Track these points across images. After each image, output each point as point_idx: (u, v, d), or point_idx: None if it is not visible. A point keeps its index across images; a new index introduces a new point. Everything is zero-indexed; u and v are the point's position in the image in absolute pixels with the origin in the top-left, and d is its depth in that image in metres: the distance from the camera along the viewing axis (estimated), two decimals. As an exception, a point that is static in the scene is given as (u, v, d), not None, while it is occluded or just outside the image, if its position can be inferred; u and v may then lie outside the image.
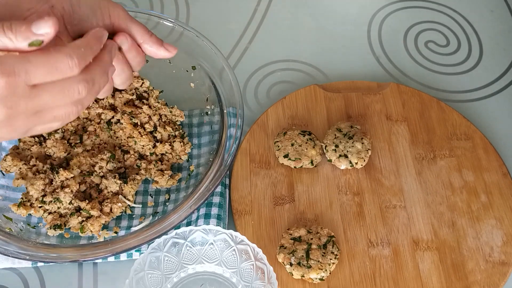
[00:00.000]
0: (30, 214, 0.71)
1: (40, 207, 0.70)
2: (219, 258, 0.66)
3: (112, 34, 0.53)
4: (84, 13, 0.52)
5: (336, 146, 0.76)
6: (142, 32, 0.55)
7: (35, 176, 0.72)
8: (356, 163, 0.75)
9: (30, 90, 0.44)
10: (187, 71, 0.79)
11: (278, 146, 0.77)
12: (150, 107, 0.78)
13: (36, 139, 0.75)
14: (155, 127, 0.77)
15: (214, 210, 0.71)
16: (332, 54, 0.91)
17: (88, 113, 0.77)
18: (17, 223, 0.69)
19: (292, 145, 0.76)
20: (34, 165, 0.73)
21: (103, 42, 0.49)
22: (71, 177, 0.72)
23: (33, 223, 0.71)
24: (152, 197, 0.75)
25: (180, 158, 0.77)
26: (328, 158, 0.76)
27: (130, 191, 0.73)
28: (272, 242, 0.71)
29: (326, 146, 0.76)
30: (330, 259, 0.68)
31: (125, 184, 0.73)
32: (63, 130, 0.77)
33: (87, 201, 0.71)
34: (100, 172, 0.74)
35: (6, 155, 0.73)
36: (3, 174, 0.73)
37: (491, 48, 0.92)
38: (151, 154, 0.76)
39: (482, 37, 0.94)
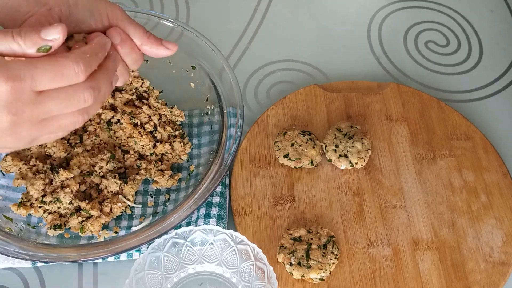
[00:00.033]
0: (30, 214, 0.71)
1: (40, 207, 0.70)
2: (219, 258, 0.66)
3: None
4: (81, 15, 0.52)
5: (336, 146, 0.76)
6: (140, 34, 0.55)
7: (35, 176, 0.72)
8: (356, 163, 0.75)
9: (35, 96, 0.44)
10: (187, 71, 0.79)
11: (278, 146, 0.77)
12: (150, 107, 0.78)
13: (36, 139, 0.75)
14: (155, 127, 0.77)
15: (214, 210, 0.71)
16: (332, 54, 0.91)
17: (88, 113, 0.77)
18: (17, 223, 0.69)
19: (292, 145, 0.76)
20: (34, 165, 0.73)
21: (107, 50, 0.49)
22: (71, 177, 0.72)
23: (33, 223, 0.71)
24: (152, 197, 0.75)
25: (180, 158, 0.77)
26: (328, 158, 0.76)
27: (130, 191, 0.73)
28: (272, 242, 0.71)
29: (326, 146, 0.76)
30: (330, 259, 0.68)
31: (125, 184, 0.73)
32: (63, 130, 0.77)
33: (87, 201, 0.71)
34: (100, 172, 0.74)
35: (6, 155, 0.73)
36: (3, 174, 0.73)
37: (491, 48, 0.92)
38: (151, 154, 0.76)
39: (482, 37, 0.94)
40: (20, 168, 0.73)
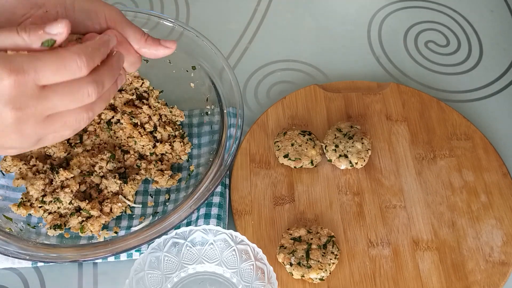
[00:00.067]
0: (30, 214, 0.71)
1: (40, 207, 0.70)
2: (219, 258, 0.66)
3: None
4: (78, 17, 0.51)
5: (336, 146, 0.76)
6: (138, 37, 0.54)
7: (35, 176, 0.72)
8: (356, 163, 0.75)
9: (39, 91, 0.44)
10: (187, 71, 0.79)
11: (278, 146, 0.77)
12: (150, 107, 0.78)
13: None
14: (155, 127, 0.77)
15: (214, 210, 0.71)
16: (332, 54, 0.91)
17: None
18: (17, 223, 0.69)
19: (292, 145, 0.76)
20: (34, 165, 0.73)
21: (111, 46, 0.49)
22: (71, 177, 0.72)
23: (33, 223, 0.71)
24: (152, 197, 0.75)
25: (180, 158, 0.77)
26: (328, 158, 0.76)
27: (130, 191, 0.73)
28: (272, 242, 0.71)
29: (326, 146, 0.76)
30: (330, 259, 0.68)
31: (125, 184, 0.73)
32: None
33: (87, 201, 0.71)
34: (100, 172, 0.74)
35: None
36: (3, 174, 0.73)
37: (491, 48, 0.92)
38: (151, 154, 0.76)
39: (482, 37, 0.94)
40: (20, 168, 0.73)
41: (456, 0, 0.98)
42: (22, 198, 0.71)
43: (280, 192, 0.75)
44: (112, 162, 0.74)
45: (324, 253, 0.68)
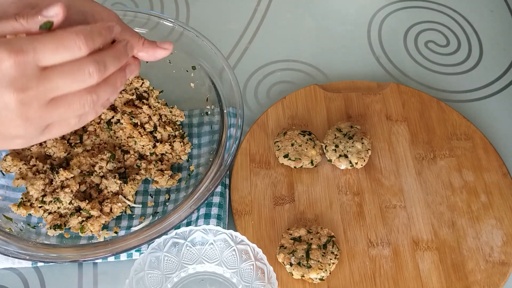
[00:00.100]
0: (30, 214, 0.71)
1: (40, 207, 0.70)
2: (219, 258, 0.66)
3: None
4: (74, 18, 0.51)
5: (336, 146, 0.76)
6: (135, 41, 0.53)
7: (35, 176, 0.72)
8: (356, 163, 0.75)
9: (40, 71, 0.44)
10: (187, 71, 0.79)
11: (278, 146, 0.77)
12: (150, 107, 0.78)
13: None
14: (155, 127, 0.77)
15: (214, 210, 0.71)
16: (332, 54, 0.91)
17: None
18: (17, 223, 0.69)
19: (292, 145, 0.76)
20: (34, 165, 0.73)
21: (113, 31, 0.48)
22: (71, 177, 0.72)
23: (33, 223, 0.71)
24: (152, 197, 0.75)
25: (180, 158, 0.77)
26: (328, 158, 0.76)
27: (130, 191, 0.73)
28: (272, 242, 0.71)
29: (326, 146, 0.76)
30: (330, 259, 0.68)
31: (125, 184, 0.73)
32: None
33: (87, 201, 0.71)
34: (100, 172, 0.74)
35: (6, 155, 0.73)
36: (3, 174, 0.73)
37: (491, 48, 0.92)
38: (151, 154, 0.76)
39: (482, 37, 0.94)
40: (20, 168, 0.73)
41: (456, 0, 0.98)
42: (22, 198, 0.71)
43: (280, 192, 0.75)
44: (112, 162, 0.74)
45: (324, 253, 0.68)
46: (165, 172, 0.75)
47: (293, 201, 0.74)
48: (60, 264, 0.70)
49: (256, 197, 0.75)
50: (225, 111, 0.75)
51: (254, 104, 0.85)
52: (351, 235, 0.72)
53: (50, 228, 0.70)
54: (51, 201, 0.70)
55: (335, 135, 0.77)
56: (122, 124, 0.76)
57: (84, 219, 0.71)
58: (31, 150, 0.75)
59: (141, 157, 0.77)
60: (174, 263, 0.66)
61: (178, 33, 0.79)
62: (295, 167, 0.76)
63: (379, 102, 0.83)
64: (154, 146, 0.76)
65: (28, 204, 0.70)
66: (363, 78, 0.88)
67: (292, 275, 0.67)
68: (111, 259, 0.70)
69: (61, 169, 0.72)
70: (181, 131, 0.79)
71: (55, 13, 0.45)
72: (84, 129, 0.77)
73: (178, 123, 0.79)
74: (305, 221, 0.73)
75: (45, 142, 0.75)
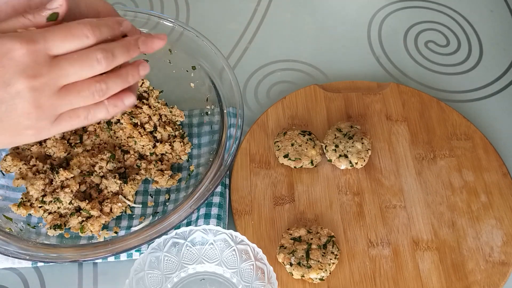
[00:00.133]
0: (30, 214, 0.71)
1: (40, 207, 0.70)
2: (219, 258, 0.66)
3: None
4: (71, 12, 0.51)
5: (336, 146, 0.76)
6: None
7: (35, 176, 0.72)
8: (356, 163, 0.75)
9: (51, 59, 0.45)
10: (187, 71, 0.79)
11: (278, 146, 0.77)
12: (150, 107, 0.78)
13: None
14: (155, 127, 0.77)
15: (214, 210, 0.71)
16: (332, 54, 0.91)
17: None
18: (17, 223, 0.69)
19: (292, 145, 0.76)
20: (34, 165, 0.73)
21: (123, 26, 0.50)
22: (71, 177, 0.72)
23: (33, 223, 0.71)
24: (152, 197, 0.75)
25: (180, 158, 0.77)
26: (328, 158, 0.76)
27: (130, 191, 0.73)
28: (272, 242, 0.71)
29: (326, 146, 0.76)
30: (330, 259, 0.68)
31: (125, 184, 0.73)
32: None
33: (87, 201, 0.71)
34: (100, 172, 0.74)
35: (6, 155, 0.73)
36: (3, 174, 0.73)
37: (491, 48, 0.92)
38: (151, 154, 0.76)
39: (482, 37, 0.94)
40: (20, 168, 0.73)
41: (456, 0, 0.98)
42: (22, 198, 0.71)
43: (280, 192, 0.75)
44: (112, 162, 0.74)
45: (324, 253, 0.68)
46: (165, 172, 0.75)
47: (293, 201, 0.74)
48: (60, 264, 0.70)
49: (256, 197, 0.75)
50: (225, 111, 0.75)
51: (254, 104, 0.85)
52: (351, 235, 0.72)
53: (50, 228, 0.70)
54: (51, 201, 0.70)
55: (335, 135, 0.77)
56: (122, 124, 0.76)
57: (84, 219, 0.71)
58: (31, 150, 0.75)
59: (141, 157, 0.77)
60: (174, 263, 0.66)
61: (178, 33, 0.79)
62: (295, 167, 0.76)
63: (379, 102, 0.83)
64: (154, 146, 0.76)
65: (28, 204, 0.70)
66: (363, 78, 0.88)
67: (292, 275, 0.67)
68: (111, 259, 0.70)
69: (61, 169, 0.72)
70: (181, 131, 0.79)
71: (59, 4, 0.48)
72: (84, 129, 0.77)
73: (178, 123, 0.79)
74: (305, 221, 0.73)
75: (45, 142, 0.75)
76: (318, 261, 0.67)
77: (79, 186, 0.72)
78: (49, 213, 0.71)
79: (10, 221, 0.69)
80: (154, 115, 0.77)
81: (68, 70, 0.46)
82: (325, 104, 0.83)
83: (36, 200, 0.71)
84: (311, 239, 0.69)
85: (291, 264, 0.67)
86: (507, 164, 0.79)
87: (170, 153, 0.77)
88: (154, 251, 0.64)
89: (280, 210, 0.74)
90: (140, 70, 0.51)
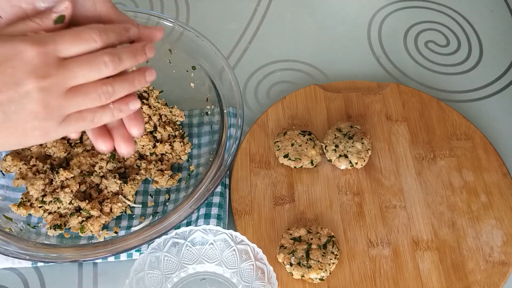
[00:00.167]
0: (30, 214, 0.71)
1: (40, 207, 0.70)
2: (219, 258, 0.66)
3: None
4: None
5: (336, 146, 0.76)
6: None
7: (35, 176, 0.72)
8: (356, 163, 0.75)
9: (60, 61, 0.46)
10: (187, 71, 0.79)
11: (278, 146, 0.77)
12: (150, 107, 0.78)
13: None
14: (155, 127, 0.77)
15: (214, 210, 0.71)
16: (332, 54, 0.91)
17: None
18: (17, 223, 0.69)
19: (292, 145, 0.76)
20: (34, 165, 0.73)
21: (130, 32, 0.51)
22: (71, 177, 0.72)
23: (33, 223, 0.71)
24: (152, 197, 0.75)
25: (180, 158, 0.77)
26: (328, 158, 0.76)
27: (130, 191, 0.73)
28: (272, 242, 0.71)
29: (326, 146, 0.76)
30: (330, 259, 0.68)
31: (125, 184, 0.73)
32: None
33: (87, 201, 0.71)
34: (100, 172, 0.74)
35: (6, 155, 0.73)
36: (3, 174, 0.73)
37: (491, 48, 0.92)
38: (151, 154, 0.76)
39: (482, 37, 0.94)
40: (20, 168, 0.73)
41: (456, 0, 0.98)
42: (22, 198, 0.71)
43: (280, 192, 0.75)
44: (112, 162, 0.74)
45: (324, 253, 0.68)
46: (165, 172, 0.75)
47: (293, 201, 0.74)
48: (60, 264, 0.70)
49: (256, 197, 0.75)
50: (225, 111, 0.75)
51: (254, 104, 0.85)
52: (351, 235, 0.72)
53: (50, 228, 0.70)
54: (51, 201, 0.70)
55: (335, 135, 0.77)
56: (122, 124, 0.76)
57: (84, 219, 0.71)
58: (31, 150, 0.75)
59: (141, 157, 0.77)
60: (174, 263, 0.66)
61: (178, 33, 0.79)
62: (295, 167, 0.76)
63: (379, 102, 0.83)
64: (154, 146, 0.76)
65: (28, 204, 0.70)
66: (363, 78, 0.88)
67: (292, 275, 0.67)
68: (111, 259, 0.70)
69: (61, 169, 0.72)
70: (181, 131, 0.79)
71: (65, 7, 0.50)
72: (84, 129, 0.77)
73: (178, 123, 0.79)
74: (305, 221, 0.73)
75: (45, 142, 0.75)
76: (318, 261, 0.67)
77: (79, 186, 0.72)
78: (49, 213, 0.71)
79: (10, 221, 0.69)
80: (154, 115, 0.77)
81: (77, 71, 0.47)
82: (325, 104, 0.83)
83: (36, 200, 0.71)
84: (311, 239, 0.69)
85: (291, 264, 0.67)
86: (507, 164, 0.79)
87: (170, 153, 0.77)
88: (154, 251, 0.64)
89: (280, 210, 0.74)
90: (146, 76, 0.52)
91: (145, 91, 0.79)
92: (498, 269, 0.70)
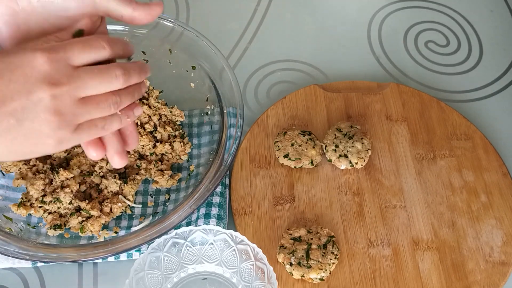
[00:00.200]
0: (30, 214, 0.71)
1: (40, 207, 0.70)
2: (219, 258, 0.66)
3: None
4: None
5: (336, 146, 0.76)
6: (126, 2, 0.53)
7: (35, 176, 0.72)
8: (356, 163, 0.75)
9: (71, 69, 0.47)
10: (187, 71, 0.79)
11: (278, 146, 0.77)
12: (150, 107, 0.78)
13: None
14: (155, 127, 0.77)
15: (214, 210, 0.71)
16: (332, 54, 0.91)
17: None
18: (17, 223, 0.69)
19: (292, 145, 0.76)
20: (34, 165, 0.73)
21: (129, 46, 0.53)
22: (71, 177, 0.72)
23: (33, 223, 0.71)
24: (152, 197, 0.75)
25: (180, 158, 0.77)
26: (328, 158, 0.76)
27: (130, 191, 0.73)
28: (272, 242, 0.71)
29: (326, 146, 0.76)
30: (330, 259, 0.68)
31: (125, 184, 0.73)
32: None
33: (87, 201, 0.71)
34: (100, 172, 0.74)
35: (6, 155, 0.73)
36: (3, 174, 0.73)
37: (491, 48, 0.92)
38: (151, 154, 0.76)
39: (482, 37, 0.94)
40: (20, 168, 0.73)
41: (456, 0, 0.98)
42: (22, 198, 0.71)
43: (280, 192, 0.75)
44: (112, 162, 0.74)
45: (324, 253, 0.68)
46: (165, 172, 0.75)
47: (293, 201, 0.74)
48: (60, 264, 0.70)
49: (256, 197, 0.75)
50: (225, 111, 0.75)
51: (254, 104, 0.85)
52: (351, 235, 0.72)
53: (50, 228, 0.70)
54: (51, 201, 0.70)
55: (335, 135, 0.77)
56: (122, 124, 0.76)
57: (84, 219, 0.71)
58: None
59: (141, 157, 0.77)
60: (174, 263, 0.66)
61: (178, 33, 0.79)
62: (295, 167, 0.76)
63: (379, 102, 0.83)
64: (154, 146, 0.76)
65: (28, 204, 0.70)
66: (363, 78, 0.88)
67: (292, 275, 0.67)
68: (111, 259, 0.70)
69: (61, 169, 0.72)
70: (181, 131, 0.79)
71: (85, 23, 0.52)
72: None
73: (178, 123, 0.79)
74: (305, 221, 0.73)
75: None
76: (318, 261, 0.67)
77: (79, 186, 0.72)
78: (49, 213, 0.71)
79: (10, 221, 0.69)
80: (154, 115, 0.77)
81: (88, 82, 0.48)
82: (325, 104, 0.83)
83: (36, 200, 0.71)
84: (311, 239, 0.69)
85: (291, 264, 0.67)
86: (507, 164, 0.79)
87: (170, 153, 0.77)
88: (154, 251, 0.64)
89: (280, 210, 0.74)
90: (142, 88, 0.54)
91: (145, 91, 0.79)
92: (498, 269, 0.70)
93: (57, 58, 0.46)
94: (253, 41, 0.92)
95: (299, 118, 0.81)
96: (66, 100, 0.47)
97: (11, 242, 0.65)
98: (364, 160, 0.76)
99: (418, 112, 0.82)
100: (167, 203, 0.74)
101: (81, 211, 0.71)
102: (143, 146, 0.76)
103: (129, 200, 0.73)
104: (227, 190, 0.75)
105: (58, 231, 0.70)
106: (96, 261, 0.70)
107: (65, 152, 0.75)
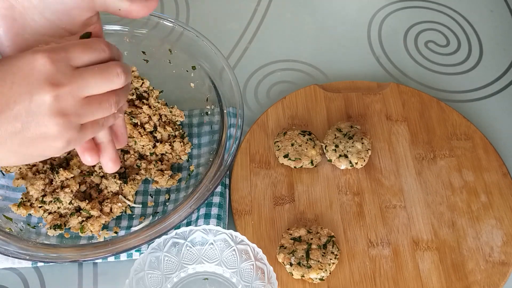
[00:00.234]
0: (30, 214, 0.71)
1: (40, 207, 0.70)
2: (219, 258, 0.66)
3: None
4: None
5: (336, 146, 0.76)
6: (122, 1, 0.53)
7: (35, 176, 0.72)
8: (356, 163, 0.75)
9: (73, 69, 0.47)
10: (187, 71, 0.79)
11: (278, 146, 0.77)
12: (150, 107, 0.78)
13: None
14: (155, 127, 0.77)
15: (214, 210, 0.71)
16: (332, 54, 0.91)
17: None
18: (17, 223, 0.69)
19: (292, 145, 0.76)
20: (34, 165, 0.73)
21: (121, 55, 0.53)
22: (71, 177, 0.72)
23: (33, 223, 0.71)
24: (152, 197, 0.75)
25: (180, 158, 0.77)
26: (328, 158, 0.76)
27: (130, 191, 0.73)
28: (272, 242, 0.71)
29: (326, 146, 0.76)
30: (330, 259, 0.68)
31: (125, 184, 0.73)
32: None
33: (87, 201, 0.71)
34: (100, 172, 0.74)
35: (6, 155, 0.73)
36: (3, 174, 0.73)
37: (491, 48, 0.92)
38: (151, 154, 0.76)
39: (482, 37, 0.94)
40: (20, 168, 0.73)
41: (456, 0, 0.98)
42: (22, 198, 0.71)
43: (280, 192, 0.75)
44: (112, 162, 0.74)
45: (324, 253, 0.68)
46: (165, 172, 0.75)
47: (293, 201, 0.74)
48: (60, 264, 0.70)
49: (256, 197, 0.75)
50: (225, 111, 0.75)
51: (254, 104, 0.85)
52: (351, 235, 0.72)
53: (50, 228, 0.70)
54: (51, 201, 0.70)
55: (335, 135, 0.77)
56: (122, 124, 0.76)
57: (84, 219, 0.71)
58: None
59: (141, 157, 0.77)
60: (174, 263, 0.66)
61: (178, 33, 0.79)
62: (295, 167, 0.76)
63: (379, 102, 0.83)
64: (154, 146, 0.76)
65: (28, 204, 0.70)
66: (363, 78, 0.88)
67: (292, 275, 0.67)
68: (111, 259, 0.70)
69: (61, 169, 0.72)
70: (181, 131, 0.79)
71: (93, 27, 0.54)
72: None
73: (178, 123, 0.79)
74: (305, 221, 0.73)
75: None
76: (318, 261, 0.67)
77: (79, 186, 0.72)
78: (49, 213, 0.71)
79: (10, 221, 0.69)
80: (154, 115, 0.77)
81: (90, 81, 0.48)
82: (325, 104, 0.83)
83: (36, 200, 0.71)
84: (311, 239, 0.69)
85: (291, 264, 0.67)
86: (507, 164, 0.79)
87: (170, 153, 0.77)
88: (154, 251, 0.64)
89: (280, 210, 0.74)
90: (129, 85, 0.54)
91: (145, 91, 0.79)
92: (498, 269, 0.70)
93: (58, 58, 0.46)
94: (253, 41, 0.92)
95: (299, 118, 0.81)
96: (69, 101, 0.47)
97: (11, 242, 0.65)
98: (364, 160, 0.76)
99: (418, 112, 0.82)
100: (167, 203, 0.74)
101: (81, 211, 0.71)
102: (143, 146, 0.76)
103: (129, 200, 0.73)
104: (227, 190, 0.75)
105: (58, 231, 0.70)
106: (96, 261, 0.70)
107: (65, 152, 0.75)
